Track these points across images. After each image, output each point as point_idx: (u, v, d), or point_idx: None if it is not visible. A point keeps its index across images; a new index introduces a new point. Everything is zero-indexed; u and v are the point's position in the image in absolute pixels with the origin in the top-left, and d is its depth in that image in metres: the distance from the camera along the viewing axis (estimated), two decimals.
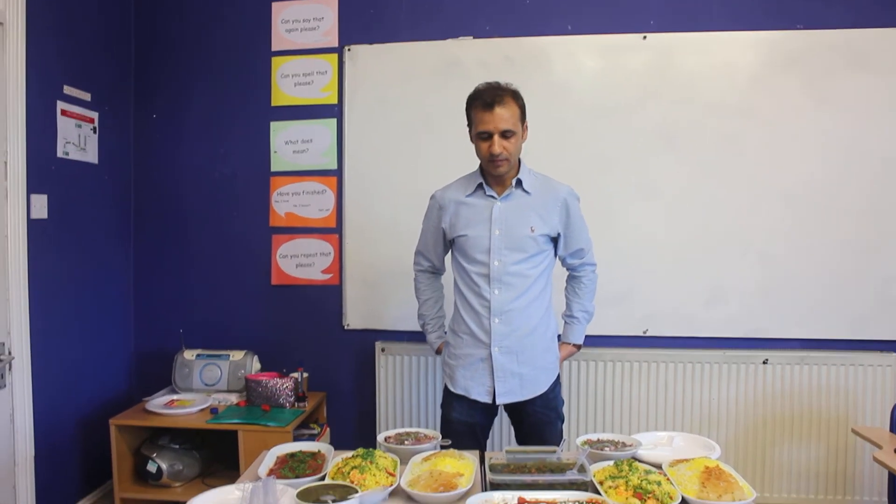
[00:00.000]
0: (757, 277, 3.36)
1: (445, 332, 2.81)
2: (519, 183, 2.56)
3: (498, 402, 2.59)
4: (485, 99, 2.44)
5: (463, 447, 2.24)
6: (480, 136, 2.46)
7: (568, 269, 2.76)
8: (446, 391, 2.70)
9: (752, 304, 3.37)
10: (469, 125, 2.54)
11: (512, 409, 2.67)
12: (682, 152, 3.37)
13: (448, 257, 2.77)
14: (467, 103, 2.53)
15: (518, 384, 2.58)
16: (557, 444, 2.55)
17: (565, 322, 2.77)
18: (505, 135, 2.45)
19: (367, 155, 3.53)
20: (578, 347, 2.80)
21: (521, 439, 2.72)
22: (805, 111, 3.30)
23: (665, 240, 3.39)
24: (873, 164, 3.28)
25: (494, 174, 2.52)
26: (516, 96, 2.50)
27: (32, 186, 2.95)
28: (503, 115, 2.43)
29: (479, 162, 2.62)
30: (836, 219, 3.31)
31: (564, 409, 2.77)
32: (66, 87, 3.16)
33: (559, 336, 2.75)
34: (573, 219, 2.62)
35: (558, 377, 2.70)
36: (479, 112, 2.45)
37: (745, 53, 3.32)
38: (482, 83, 2.51)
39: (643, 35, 3.38)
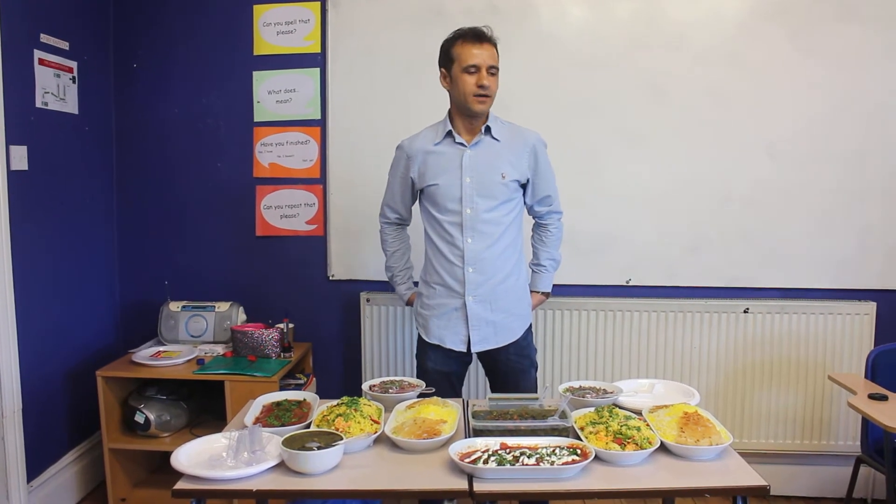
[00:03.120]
0: (739, 226, 3.38)
1: (415, 284, 2.83)
2: (488, 130, 2.56)
3: (473, 350, 2.63)
4: (475, 32, 2.48)
5: (439, 395, 2.28)
6: (467, 70, 2.46)
7: (535, 218, 2.78)
8: (420, 341, 2.74)
9: (733, 252, 3.40)
10: (449, 64, 2.53)
11: (486, 356, 2.70)
12: (667, 101, 3.35)
13: (416, 209, 2.77)
14: (448, 42, 2.53)
15: (492, 332, 2.62)
16: (532, 391, 2.61)
17: (533, 271, 2.81)
18: (490, 70, 2.47)
19: (350, 105, 3.49)
20: (547, 296, 2.85)
21: (496, 387, 2.77)
22: (791, 60, 3.28)
23: (649, 188, 3.40)
24: (856, 114, 3.28)
25: (476, 111, 2.51)
26: (496, 46, 2.53)
27: (11, 138, 2.90)
28: (491, 52, 2.48)
29: (446, 110, 2.62)
30: (818, 168, 3.33)
31: (545, 358, 2.81)
32: (42, 35, 3.09)
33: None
34: (541, 165, 2.64)
35: (531, 325, 2.74)
36: (467, 46, 2.47)
37: (732, 1, 3.29)
38: (464, 27, 2.53)
39: None
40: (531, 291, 2.77)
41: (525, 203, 2.70)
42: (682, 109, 3.35)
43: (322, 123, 3.53)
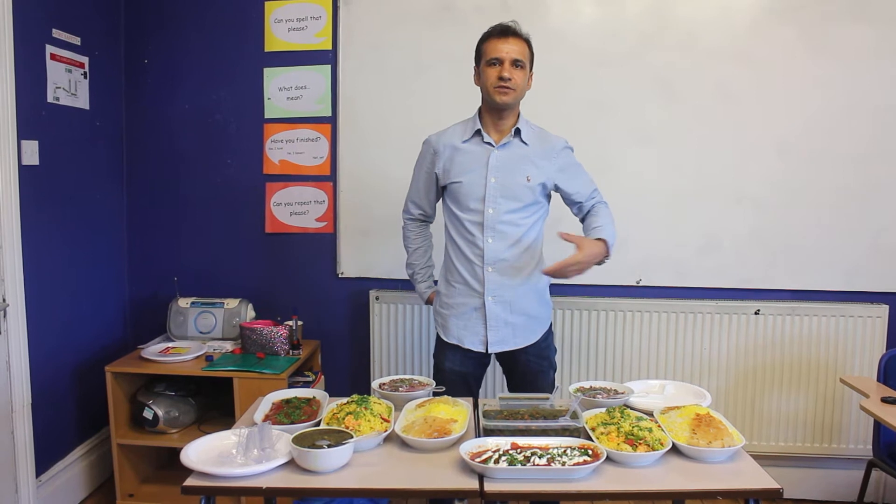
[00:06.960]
0: (750, 226, 3.36)
1: (435, 282, 2.82)
2: (517, 132, 2.54)
3: (490, 350, 2.61)
4: (501, 27, 2.48)
5: (455, 396, 2.26)
6: (490, 63, 2.46)
7: (584, 212, 2.66)
8: (439, 340, 2.72)
9: (744, 253, 3.38)
10: (477, 63, 2.53)
11: (504, 358, 2.68)
12: (678, 99, 3.33)
13: (438, 206, 2.76)
14: (479, 42, 2.53)
15: (510, 333, 2.59)
16: (550, 393, 2.58)
17: (593, 228, 2.54)
18: (515, 63, 2.45)
19: (361, 102, 3.48)
20: (607, 253, 2.48)
21: (514, 388, 2.74)
22: (801, 59, 3.26)
23: (660, 187, 3.38)
24: (867, 113, 3.26)
25: (497, 103, 2.47)
26: (529, 42, 2.52)
27: (23, 132, 2.90)
28: (516, 47, 2.46)
29: (475, 108, 2.60)
30: (829, 168, 3.30)
31: (557, 359, 2.79)
32: (54, 30, 3.09)
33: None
34: (575, 168, 2.62)
35: (551, 327, 2.72)
36: (492, 41, 2.47)
37: None
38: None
39: None
40: (590, 239, 2.46)
41: (575, 206, 2.65)
42: (692, 108, 3.33)
43: (333, 120, 3.52)
